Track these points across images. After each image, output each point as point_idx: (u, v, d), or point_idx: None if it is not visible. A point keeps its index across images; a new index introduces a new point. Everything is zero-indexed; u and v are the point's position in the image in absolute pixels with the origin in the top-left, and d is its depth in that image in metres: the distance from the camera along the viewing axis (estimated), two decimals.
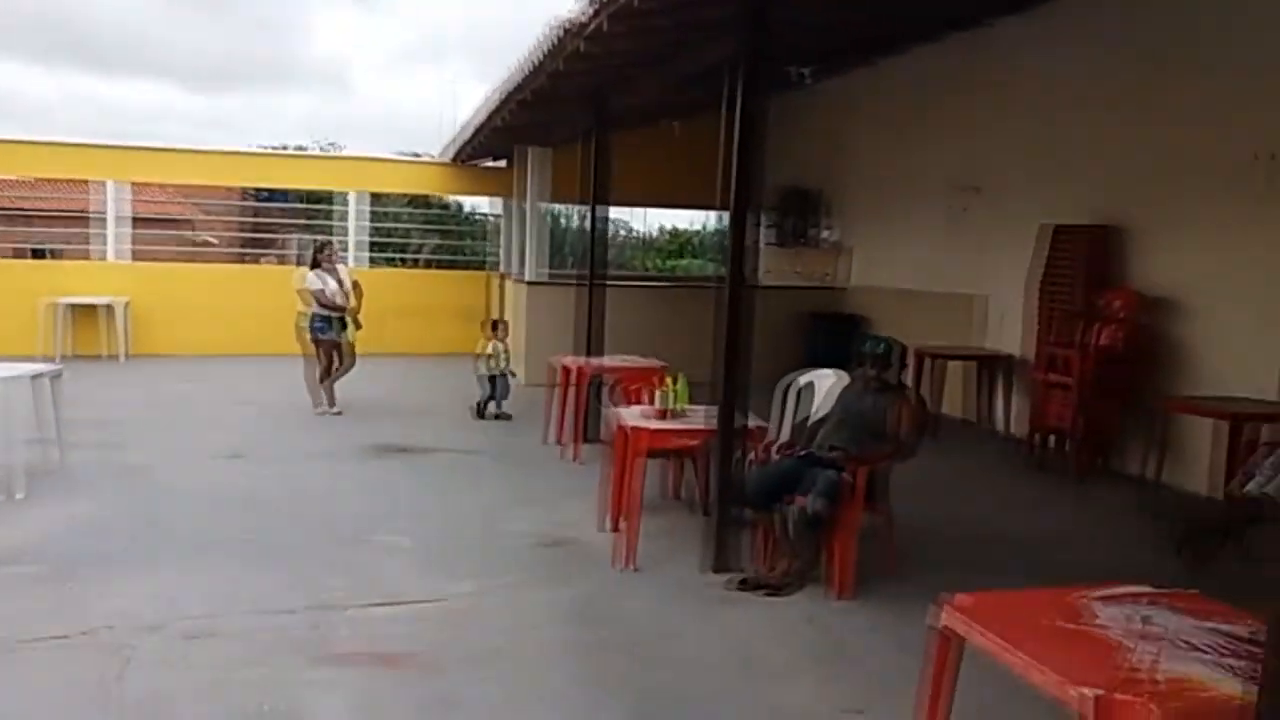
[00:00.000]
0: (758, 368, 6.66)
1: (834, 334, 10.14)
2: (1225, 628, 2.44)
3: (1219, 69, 6.52)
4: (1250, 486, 4.84)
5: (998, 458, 7.77)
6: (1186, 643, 2.34)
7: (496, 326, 8.81)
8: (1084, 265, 7.35)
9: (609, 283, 8.19)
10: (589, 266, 8.05)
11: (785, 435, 5.45)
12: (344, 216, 13.84)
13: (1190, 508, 5.90)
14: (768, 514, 4.73)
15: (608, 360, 7.52)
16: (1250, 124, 6.19)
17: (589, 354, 7.78)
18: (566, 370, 7.39)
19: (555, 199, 12.33)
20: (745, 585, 4.58)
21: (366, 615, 4.22)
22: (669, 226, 22.27)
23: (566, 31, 4.84)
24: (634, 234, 20.70)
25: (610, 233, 20.84)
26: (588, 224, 8.13)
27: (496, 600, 4.46)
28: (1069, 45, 7.94)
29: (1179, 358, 6.89)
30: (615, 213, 19.78)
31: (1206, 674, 2.17)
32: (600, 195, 7.96)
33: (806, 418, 5.39)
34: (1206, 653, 2.29)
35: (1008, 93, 8.73)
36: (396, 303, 11.83)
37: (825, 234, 12.47)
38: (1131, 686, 2.10)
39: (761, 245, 13.97)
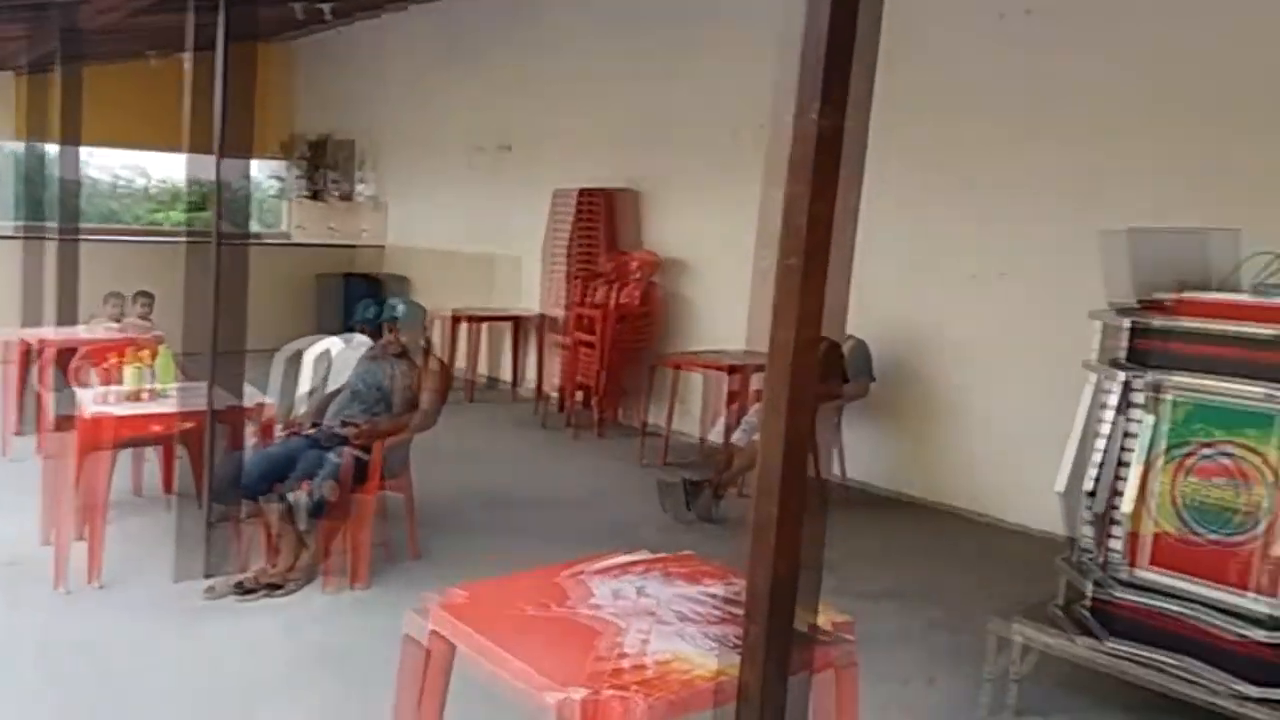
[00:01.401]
0: (283, 333, 5.96)
1: (370, 295, 9.59)
2: (715, 590, 2.42)
3: (723, 44, 6.98)
4: (738, 436, 5.25)
5: (530, 418, 7.82)
6: (677, 614, 2.27)
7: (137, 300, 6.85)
8: (606, 227, 7.59)
9: (83, 237, 6.87)
10: (60, 217, 6.69)
11: (300, 411, 4.88)
12: None
13: (691, 460, 6.29)
14: (273, 503, 4.15)
15: (83, 331, 6.30)
16: (741, 97, 6.69)
17: (58, 323, 6.47)
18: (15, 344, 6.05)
19: (27, 136, 10.23)
20: (243, 589, 3.98)
21: None
22: (193, 176, 19.86)
23: None
24: (156, 183, 18.11)
25: (125, 181, 18.04)
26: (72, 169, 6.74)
27: None
28: (594, 10, 8.11)
29: (689, 314, 7.39)
30: (135, 158, 17.06)
31: (692, 650, 2.09)
32: (70, 132, 6.63)
33: (321, 390, 4.87)
34: (695, 623, 2.23)
35: (540, 52, 8.74)
36: None
37: (361, 188, 11.80)
38: (620, 678, 1.95)
39: (292, 198, 13.12)
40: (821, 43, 1.74)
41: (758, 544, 1.76)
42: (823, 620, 2.20)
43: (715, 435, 5.48)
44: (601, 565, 2.54)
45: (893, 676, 3.53)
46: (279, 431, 4.51)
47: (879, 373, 5.72)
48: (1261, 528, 2.76)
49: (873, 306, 5.75)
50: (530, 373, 8.67)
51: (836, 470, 5.69)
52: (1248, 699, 2.69)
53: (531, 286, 8.80)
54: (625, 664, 2.01)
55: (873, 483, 6.02)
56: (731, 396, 5.88)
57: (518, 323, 8.71)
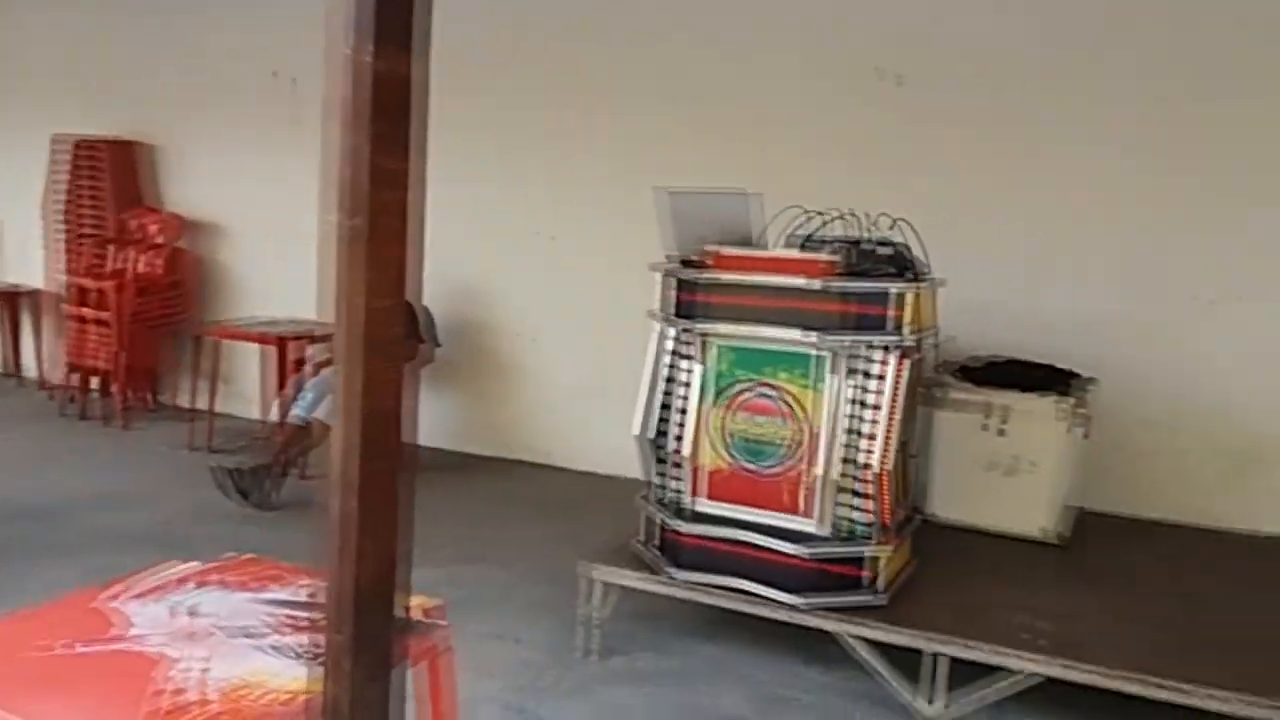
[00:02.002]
0: None
1: None
2: (288, 595, 2.13)
3: None
4: (294, 414, 4.85)
5: (31, 412, 6.58)
6: (243, 630, 1.96)
7: None
8: (113, 185, 6.54)
9: None
10: None
11: None
12: None
13: (241, 444, 5.70)
14: None
15: None
16: (279, 33, 6.08)
17: None
18: None
19: None
20: None
21: None
22: None
23: None
24: None
25: None
26: None
27: None
28: None
29: (232, 282, 6.66)
30: None
31: (266, 670, 1.81)
32: None
33: None
34: (266, 637, 1.94)
35: None
36: None
37: None
38: (179, 719, 1.62)
39: None
40: None
41: (337, 544, 1.53)
42: (415, 608, 2.04)
43: (274, 414, 5.00)
44: (144, 584, 2.12)
45: (484, 639, 3.48)
46: None
47: (444, 337, 5.60)
48: (796, 456, 3.08)
49: (433, 270, 5.62)
50: (30, 357, 7.28)
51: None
52: (796, 609, 3.01)
53: (21, 254, 7.36)
54: (185, 699, 1.68)
55: (445, 446, 5.92)
56: (286, 370, 5.40)
57: (13, 299, 7.24)
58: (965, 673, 2.88)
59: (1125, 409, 4.24)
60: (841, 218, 3.31)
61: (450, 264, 5.80)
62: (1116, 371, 4.21)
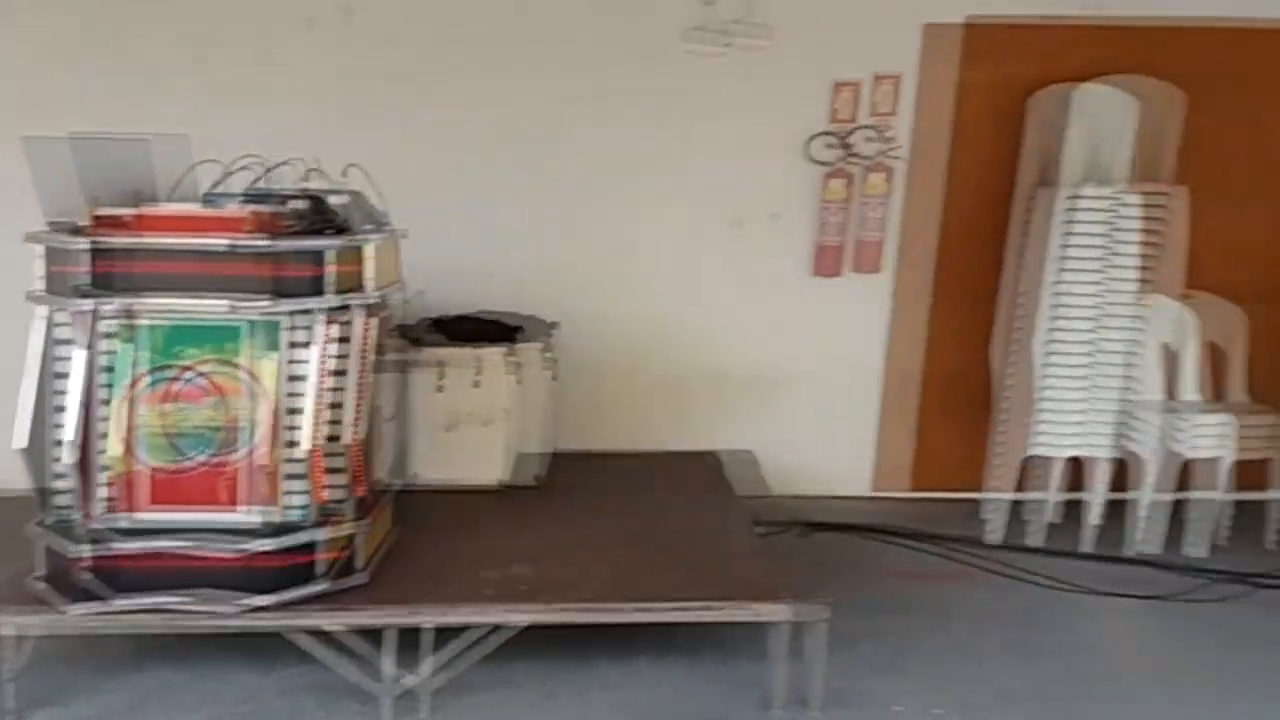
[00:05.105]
0: None
1: None
2: None
3: None
4: None
5: None
6: None
7: None
8: None
9: None
10: None
11: None
12: None
13: None
14: None
15: None
16: None
17: None
18: None
19: None
20: None
21: None
22: None
23: None
24: None
25: None
26: None
27: None
28: None
29: None
30: None
31: None
32: None
33: None
34: None
35: None
36: None
37: None
38: None
39: None
40: None
41: None
42: None
43: None
44: None
45: None
46: None
47: None
48: (247, 438, 2.75)
49: None
50: None
51: None
52: (263, 609, 2.70)
53: None
54: None
55: None
56: None
57: None
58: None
59: (590, 352, 4.49)
60: (248, 168, 2.93)
61: None
62: (581, 317, 4.42)
